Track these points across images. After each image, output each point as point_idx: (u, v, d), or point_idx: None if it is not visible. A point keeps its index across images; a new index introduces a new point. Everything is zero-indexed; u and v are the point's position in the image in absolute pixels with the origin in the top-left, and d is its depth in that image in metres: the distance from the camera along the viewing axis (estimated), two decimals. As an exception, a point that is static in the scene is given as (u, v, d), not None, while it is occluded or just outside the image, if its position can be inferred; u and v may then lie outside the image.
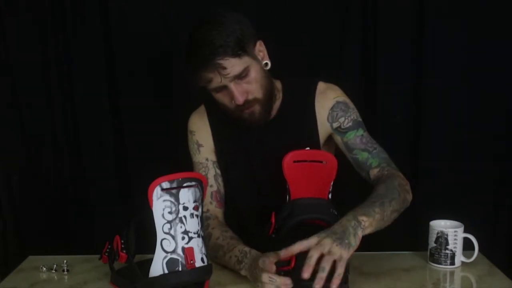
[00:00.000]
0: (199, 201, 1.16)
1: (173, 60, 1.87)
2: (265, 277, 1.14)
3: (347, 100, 1.46)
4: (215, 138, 1.49)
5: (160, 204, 1.11)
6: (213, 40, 1.26)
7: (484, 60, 1.84)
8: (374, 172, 1.40)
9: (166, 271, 1.11)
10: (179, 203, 1.12)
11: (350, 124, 1.43)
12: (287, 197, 1.29)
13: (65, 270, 1.35)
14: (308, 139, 1.43)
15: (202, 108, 1.53)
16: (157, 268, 1.11)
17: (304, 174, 1.29)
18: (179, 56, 1.84)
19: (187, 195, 1.13)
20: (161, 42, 1.87)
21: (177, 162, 1.82)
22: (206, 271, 1.16)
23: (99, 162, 1.93)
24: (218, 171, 1.49)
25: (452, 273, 1.35)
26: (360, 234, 1.16)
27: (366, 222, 1.18)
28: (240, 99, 1.31)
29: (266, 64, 1.37)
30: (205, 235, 1.35)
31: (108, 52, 1.87)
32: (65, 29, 1.85)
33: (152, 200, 1.11)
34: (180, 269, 1.11)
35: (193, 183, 1.15)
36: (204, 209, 1.42)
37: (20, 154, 1.93)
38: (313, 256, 1.09)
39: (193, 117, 1.53)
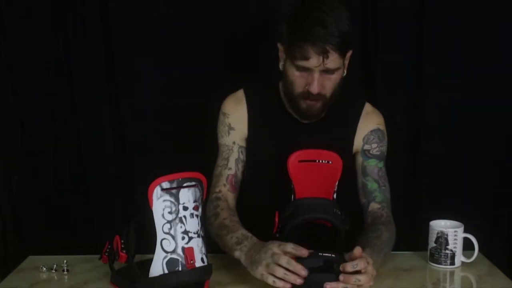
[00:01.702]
0: (199, 201, 1.16)
1: (174, 60, 1.87)
2: (283, 259, 1.14)
3: (385, 132, 1.51)
4: (250, 123, 1.49)
5: (160, 204, 1.11)
6: (330, 26, 1.28)
7: (484, 60, 1.84)
8: (374, 207, 1.45)
9: (166, 271, 1.11)
10: (179, 203, 1.12)
11: (378, 153, 1.48)
12: (292, 197, 1.29)
13: (65, 270, 1.35)
14: (343, 150, 1.44)
15: (240, 93, 1.52)
16: (157, 268, 1.11)
17: (309, 174, 1.30)
18: (179, 56, 1.87)
19: (187, 195, 1.13)
20: (161, 42, 1.87)
21: (177, 162, 1.83)
22: (206, 271, 1.16)
23: (99, 162, 1.93)
24: (242, 157, 1.49)
25: (452, 273, 1.35)
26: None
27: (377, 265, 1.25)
28: (316, 89, 1.34)
29: (344, 72, 1.39)
30: (212, 214, 1.38)
31: (108, 52, 1.87)
32: (65, 29, 1.85)
33: (152, 200, 1.11)
34: (180, 269, 1.11)
35: (193, 183, 1.15)
36: (217, 190, 1.45)
37: (20, 154, 1.93)
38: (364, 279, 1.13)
39: (230, 100, 1.52)
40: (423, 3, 1.82)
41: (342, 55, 1.32)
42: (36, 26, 1.84)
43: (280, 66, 1.42)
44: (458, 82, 1.86)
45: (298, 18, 1.32)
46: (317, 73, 1.33)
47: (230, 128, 1.49)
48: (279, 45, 1.41)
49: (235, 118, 1.49)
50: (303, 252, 1.14)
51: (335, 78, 1.36)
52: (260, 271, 1.16)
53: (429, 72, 1.85)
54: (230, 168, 1.47)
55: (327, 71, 1.33)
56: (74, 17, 1.84)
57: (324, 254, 1.15)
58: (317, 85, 1.34)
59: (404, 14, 1.84)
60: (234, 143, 1.49)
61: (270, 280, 1.14)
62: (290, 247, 1.16)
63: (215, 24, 1.85)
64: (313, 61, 1.30)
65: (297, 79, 1.36)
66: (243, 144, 1.49)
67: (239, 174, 1.48)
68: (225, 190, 1.46)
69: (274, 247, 1.16)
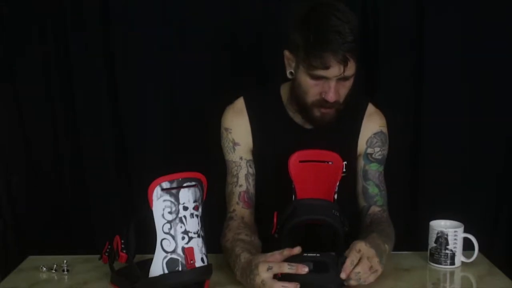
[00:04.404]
0: (199, 201, 1.16)
1: (174, 60, 1.87)
2: (277, 286, 1.12)
3: (387, 134, 1.50)
4: (254, 134, 1.45)
5: (160, 204, 1.11)
6: (347, 33, 1.26)
7: (485, 59, 1.84)
8: (375, 210, 1.45)
9: (166, 271, 1.11)
10: (179, 203, 1.12)
11: (380, 157, 1.48)
12: (293, 197, 1.29)
13: (65, 270, 1.34)
14: (348, 154, 1.43)
15: (240, 103, 1.47)
16: (157, 268, 1.11)
17: (310, 174, 1.29)
18: (179, 56, 1.87)
19: (187, 195, 1.13)
20: (162, 41, 1.87)
21: (177, 162, 1.84)
22: (206, 271, 1.16)
23: (99, 162, 1.93)
24: (251, 170, 1.46)
25: (452, 273, 1.35)
26: (384, 261, 1.23)
27: (387, 252, 1.27)
28: (333, 97, 1.32)
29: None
30: (222, 236, 1.37)
31: (108, 52, 1.87)
32: (65, 29, 1.85)
33: (152, 200, 1.11)
34: (180, 269, 1.11)
35: (193, 183, 1.15)
36: (231, 209, 1.43)
37: (20, 154, 1.93)
38: (362, 268, 1.15)
39: (230, 113, 1.48)
40: (422, 3, 1.82)
41: (357, 60, 1.30)
42: (36, 26, 1.84)
43: (288, 74, 1.39)
44: (459, 82, 1.86)
45: (312, 26, 1.28)
46: (334, 81, 1.30)
47: (235, 143, 1.46)
48: (287, 53, 1.37)
49: (238, 132, 1.46)
50: (305, 269, 1.12)
51: (349, 84, 1.34)
52: None
53: (429, 72, 1.85)
54: (241, 185, 1.44)
55: (344, 78, 1.31)
56: (74, 17, 1.84)
57: (314, 254, 1.16)
58: (335, 94, 1.31)
59: (405, 13, 1.84)
60: (241, 158, 1.46)
61: None
62: (286, 268, 1.13)
63: (216, 24, 1.85)
64: (334, 70, 1.28)
65: (312, 87, 1.33)
66: (250, 157, 1.46)
67: (251, 189, 1.45)
68: (239, 208, 1.43)
69: (263, 273, 1.14)
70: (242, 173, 1.45)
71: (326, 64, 1.27)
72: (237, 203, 1.43)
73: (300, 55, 1.31)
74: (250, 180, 1.45)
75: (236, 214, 1.42)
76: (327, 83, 1.31)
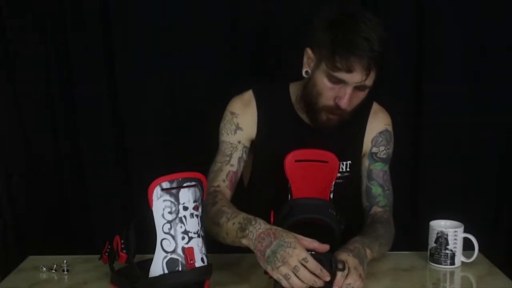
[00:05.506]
0: (199, 201, 1.16)
1: (174, 60, 1.87)
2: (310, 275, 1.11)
3: (392, 132, 1.50)
4: (260, 126, 1.45)
5: (160, 204, 1.11)
6: (374, 41, 1.25)
7: (485, 59, 1.84)
8: (376, 210, 1.45)
9: (166, 271, 1.11)
10: (179, 203, 1.13)
11: (384, 156, 1.48)
12: (289, 196, 1.29)
13: (65, 270, 1.35)
14: (353, 153, 1.44)
15: (249, 95, 1.48)
16: (157, 268, 1.11)
17: (306, 174, 1.29)
18: (179, 56, 1.87)
19: (187, 195, 1.13)
20: (162, 41, 1.87)
21: (177, 162, 1.83)
22: (206, 271, 1.16)
23: (99, 162, 1.93)
24: (244, 157, 1.45)
25: (452, 273, 1.35)
26: (366, 266, 1.23)
27: (369, 257, 1.26)
28: (346, 104, 1.31)
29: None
30: (210, 203, 1.33)
31: (108, 52, 1.87)
32: (65, 29, 1.85)
33: (152, 200, 1.11)
34: (180, 269, 1.12)
35: (193, 183, 1.15)
36: (215, 184, 1.41)
37: (20, 154, 1.93)
38: (352, 278, 1.15)
39: (238, 101, 1.48)
40: (422, 3, 1.82)
41: (378, 73, 1.30)
42: (36, 26, 1.84)
43: (304, 73, 1.38)
44: (459, 82, 1.86)
45: (343, 28, 1.27)
46: (350, 88, 1.30)
47: (238, 127, 1.46)
48: (309, 51, 1.36)
49: (244, 119, 1.46)
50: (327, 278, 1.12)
51: (362, 95, 1.34)
52: (284, 271, 1.10)
53: (429, 72, 1.85)
54: (232, 165, 1.43)
55: (360, 88, 1.31)
56: (74, 17, 1.83)
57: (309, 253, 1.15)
58: (348, 101, 1.31)
59: (404, 13, 1.84)
60: (239, 142, 1.45)
61: (295, 281, 1.10)
62: (312, 265, 1.11)
63: (216, 24, 1.85)
64: (356, 75, 1.27)
65: (328, 90, 1.32)
66: (248, 144, 1.47)
67: (239, 174, 1.45)
68: (224, 186, 1.41)
69: (301, 251, 1.11)
70: (236, 155, 1.44)
71: (350, 68, 1.26)
72: (223, 181, 1.41)
73: (324, 54, 1.30)
74: (241, 165, 1.45)
75: (220, 191, 1.39)
76: (344, 89, 1.30)
